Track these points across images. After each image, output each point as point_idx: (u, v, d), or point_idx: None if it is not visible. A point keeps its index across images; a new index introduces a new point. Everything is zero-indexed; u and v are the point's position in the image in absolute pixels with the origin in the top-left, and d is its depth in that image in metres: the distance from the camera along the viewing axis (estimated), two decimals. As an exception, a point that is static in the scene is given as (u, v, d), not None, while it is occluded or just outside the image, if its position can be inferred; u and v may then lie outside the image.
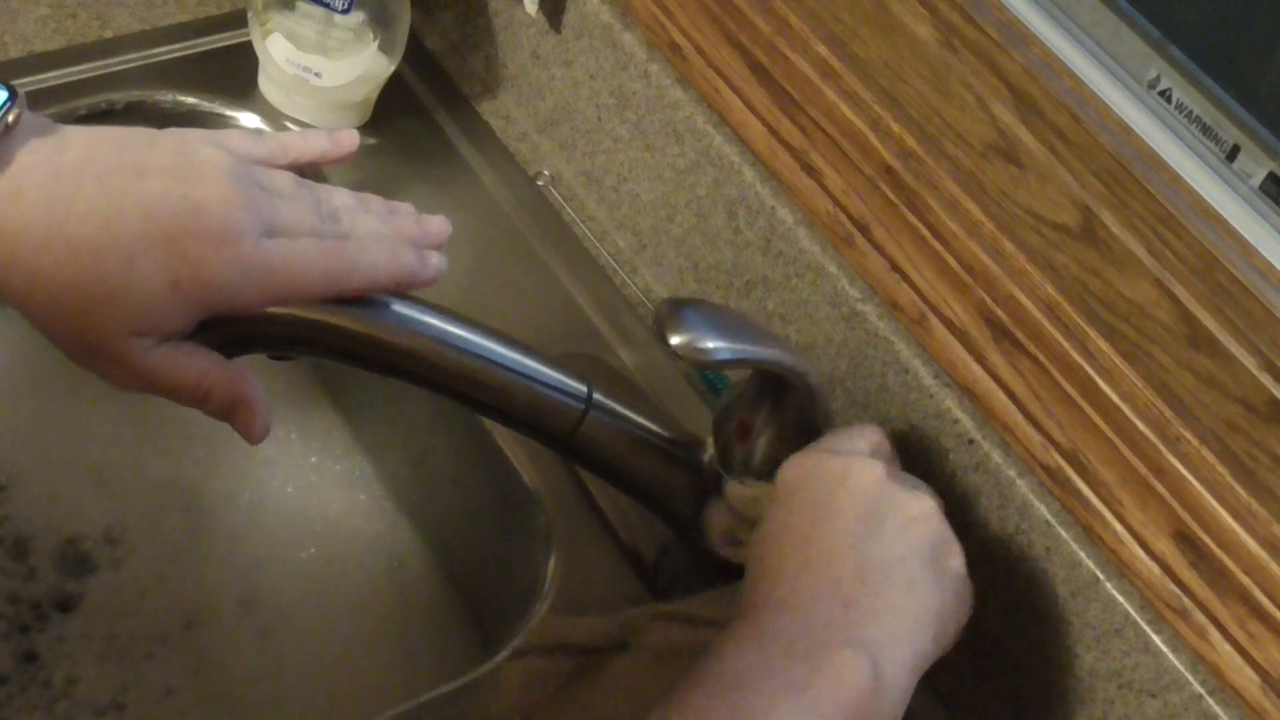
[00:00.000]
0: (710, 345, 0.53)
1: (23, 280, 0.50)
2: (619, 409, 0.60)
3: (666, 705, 0.47)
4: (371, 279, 0.54)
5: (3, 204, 0.49)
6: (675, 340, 0.52)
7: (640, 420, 0.61)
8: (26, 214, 0.49)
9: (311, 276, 0.52)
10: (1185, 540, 0.57)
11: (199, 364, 0.53)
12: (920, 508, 0.54)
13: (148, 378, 0.52)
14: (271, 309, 0.53)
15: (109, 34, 0.81)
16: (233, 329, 0.53)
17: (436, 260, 0.56)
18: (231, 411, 0.55)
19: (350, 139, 0.58)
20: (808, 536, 0.52)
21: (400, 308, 0.56)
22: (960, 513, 0.64)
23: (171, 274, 0.49)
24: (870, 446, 0.56)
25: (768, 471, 0.60)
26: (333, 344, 0.55)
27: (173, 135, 0.53)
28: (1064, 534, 0.60)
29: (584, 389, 0.59)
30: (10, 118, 0.49)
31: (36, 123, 0.51)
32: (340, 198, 0.56)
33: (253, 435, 0.55)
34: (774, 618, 0.50)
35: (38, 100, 0.78)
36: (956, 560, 0.54)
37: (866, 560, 0.52)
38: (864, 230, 0.66)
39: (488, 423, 0.72)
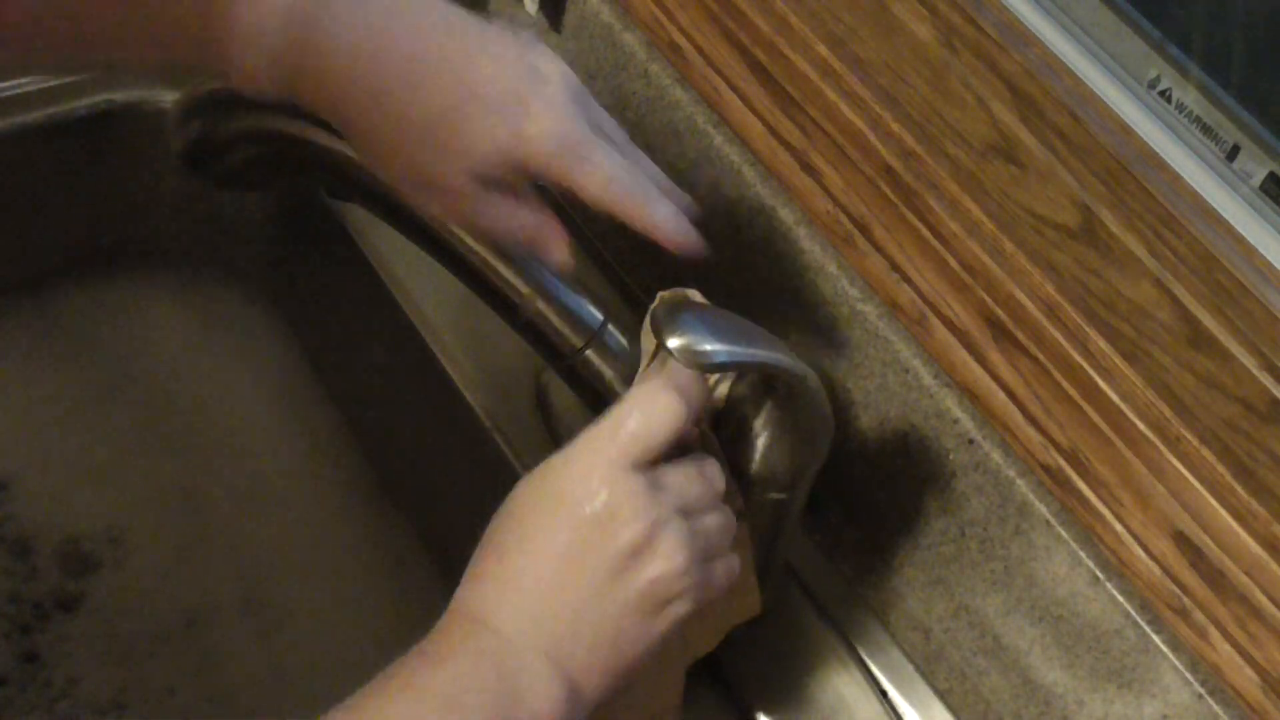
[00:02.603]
0: (708, 348, 0.53)
1: (375, 121, 0.50)
2: (628, 350, 0.61)
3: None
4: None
5: (322, 38, 0.49)
6: (673, 343, 0.52)
7: None
8: (388, 58, 0.49)
9: None
10: (1185, 540, 0.57)
11: (521, 213, 0.53)
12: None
13: (473, 217, 0.53)
14: (324, 142, 0.57)
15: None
16: (290, 151, 0.57)
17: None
18: (539, 245, 0.55)
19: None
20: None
21: None
22: (960, 513, 0.64)
23: (512, 128, 0.50)
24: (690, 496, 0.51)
25: (768, 475, 0.60)
26: (375, 194, 0.58)
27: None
28: (1064, 534, 0.60)
29: (599, 316, 0.61)
30: None
31: None
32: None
33: (560, 265, 0.56)
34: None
35: (38, 100, 0.78)
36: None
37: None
38: (864, 230, 0.66)
39: (490, 424, 0.72)
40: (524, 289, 0.60)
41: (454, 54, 0.50)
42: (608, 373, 0.62)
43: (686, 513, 0.50)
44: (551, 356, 0.62)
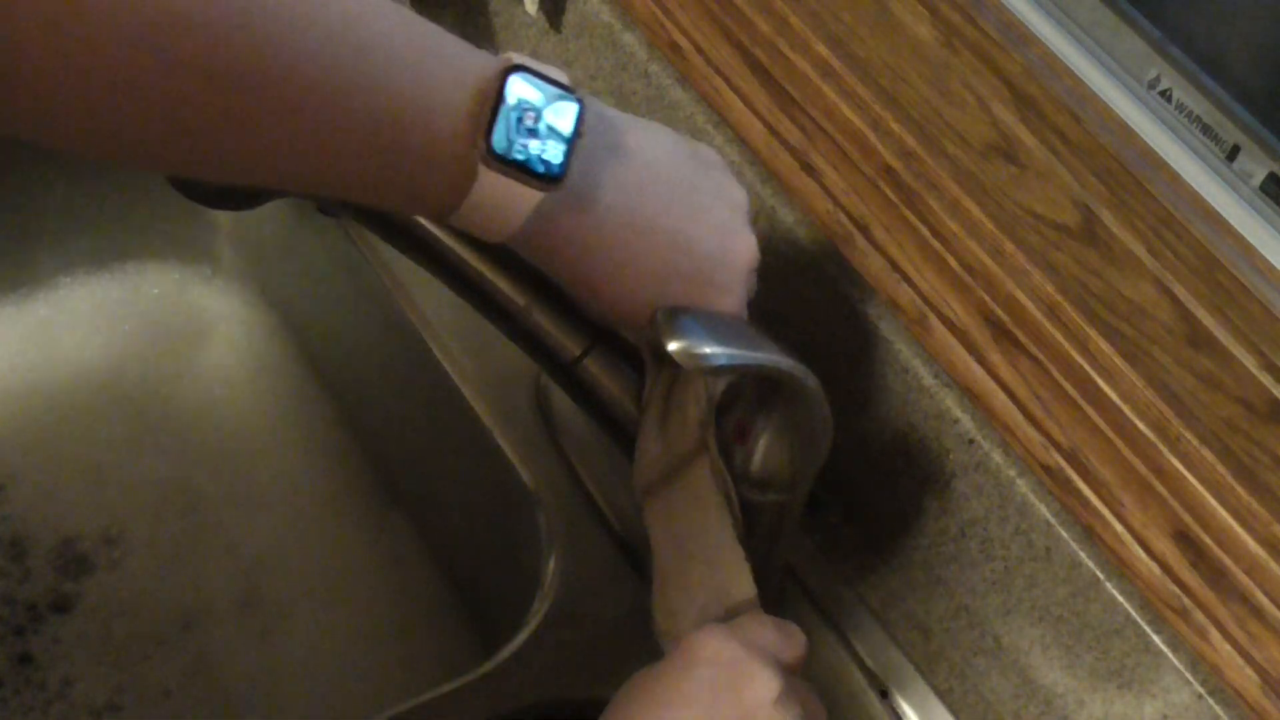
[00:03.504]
0: (708, 351, 0.53)
1: (596, 278, 0.54)
2: (629, 353, 0.61)
3: None
4: None
5: (577, 215, 0.51)
6: (673, 346, 0.52)
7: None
8: (599, 224, 0.52)
9: None
10: (1185, 540, 0.57)
11: None
12: None
13: None
14: None
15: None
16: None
17: None
18: None
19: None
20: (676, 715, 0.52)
21: None
22: (960, 513, 0.64)
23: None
24: (789, 655, 0.55)
25: (768, 475, 0.60)
26: (369, 210, 0.57)
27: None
28: (1064, 534, 0.60)
29: (599, 324, 0.61)
30: (582, 128, 0.50)
31: (600, 126, 0.52)
32: None
33: None
34: None
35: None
36: None
37: None
38: (864, 230, 0.66)
39: (490, 424, 0.72)
40: (520, 299, 0.60)
41: (676, 222, 0.54)
42: (606, 381, 0.62)
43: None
44: (550, 365, 0.62)
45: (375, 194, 0.50)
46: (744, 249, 0.56)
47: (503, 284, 0.60)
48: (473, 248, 0.59)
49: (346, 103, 0.47)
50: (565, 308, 0.61)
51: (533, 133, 0.49)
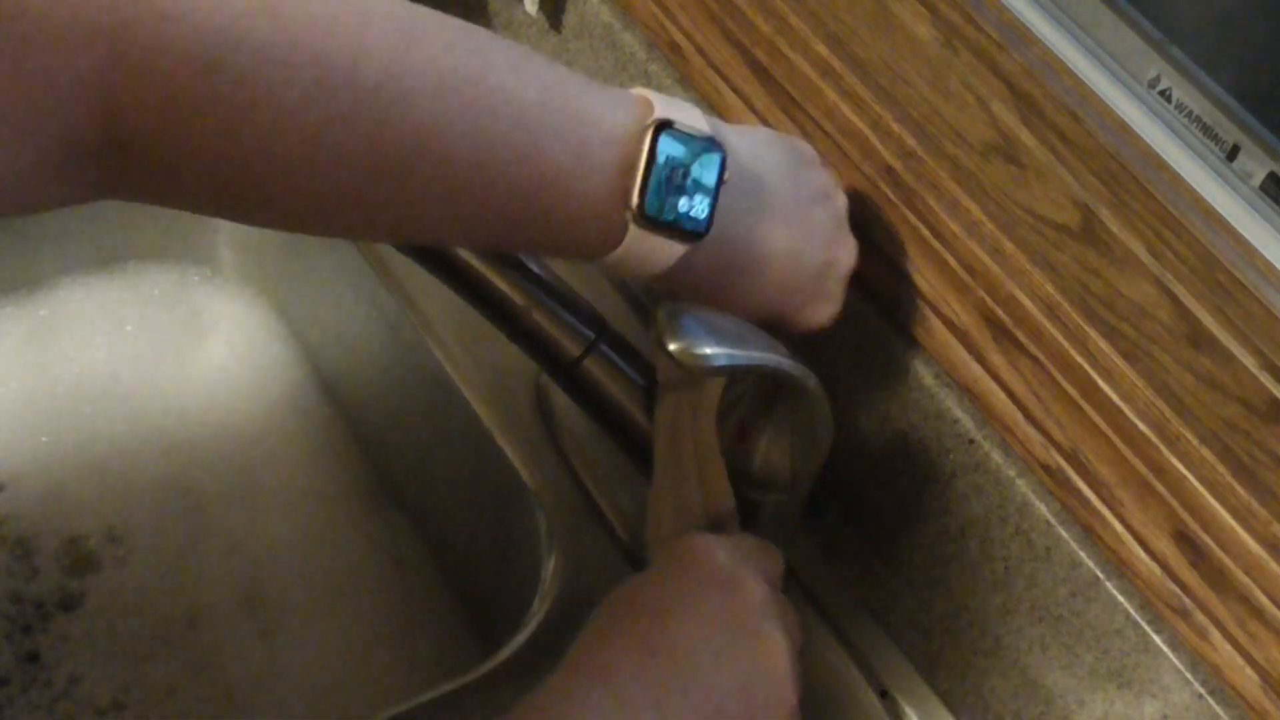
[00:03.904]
0: (708, 351, 0.53)
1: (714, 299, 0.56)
2: (625, 358, 0.61)
3: None
4: None
5: (711, 254, 0.54)
6: (673, 346, 0.52)
7: (644, 379, 0.62)
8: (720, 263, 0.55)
9: None
10: (1185, 540, 0.57)
11: None
12: (775, 650, 0.53)
13: None
14: None
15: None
16: None
17: None
18: None
19: None
20: (663, 622, 0.52)
21: None
22: (960, 513, 0.64)
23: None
24: (770, 569, 0.56)
25: (768, 475, 0.60)
26: None
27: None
28: (1064, 534, 0.60)
29: (598, 324, 0.61)
30: (726, 176, 0.53)
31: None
32: None
33: None
34: (587, 687, 0.51)
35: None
36: (789, 710, 0.53)
37: (702, 677, 0.51)
38: (864, 230, 0.66)
39: (490, 423, 0.72)
40: (521, 300, 0.60)
41: (791, 243, 0.57)
42: (607, 381, 0.62)
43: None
44: (550, 366, 0.62)
45: (531, 248, 0.55)
46: (847, 256, 0.59)
47: (503, 285, 0.60)
48: (474, 250, 0.59)
49: (502, 178, 0.49)
50: (566, 307, 0.61)
51: (681, 189, 0.51)
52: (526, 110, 0.49)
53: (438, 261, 0.60)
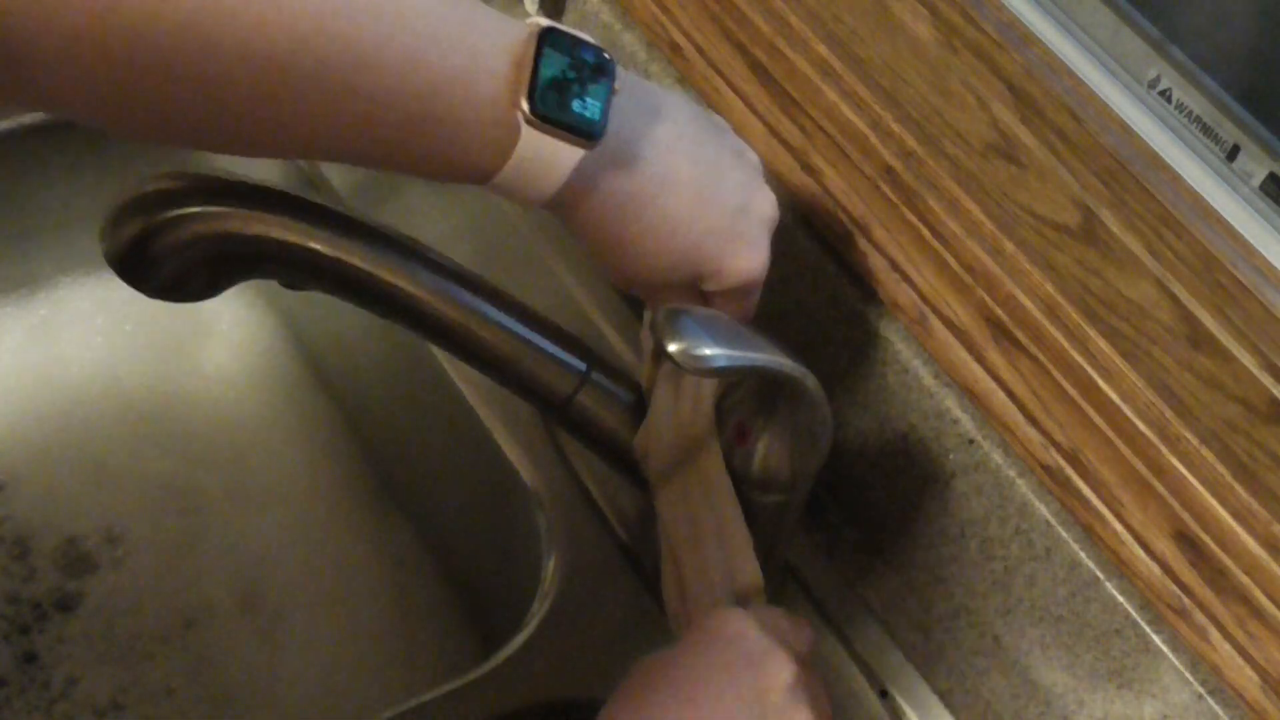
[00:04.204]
0: (708, 352, 0.53)
1: (598, 234, 0.55)
2: (617, 386, 0.61)
3: None
4: None
5: (613, 172, 0.53)
6: (673, 347, 0.52)
7: (638, 402, 0.62)
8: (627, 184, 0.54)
9: None
10: (1185, 540, 0.57)
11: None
12: None
13: None
14: (279, 235, 0.56)
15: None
16: (242, 249, 0.56)
17: None
18: None
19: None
20: (694, 700, 0.52)
21: (412, 251, 0.58)
22: (960, 512, 0.64)
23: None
24: (799, 646, 0.56)
25: (768, 475, 0.60)
26: (341, 279, 0.58)
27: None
28: (1064, 534, 0.60)
29: (585, 359, 0.61)
30: (617, 85, 0.52)
31: (631, 87, 0.54)
32: None
33: None
34: None
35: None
36: None
37: None
38: (864, 230, 0.66)
39: (488, 423, 0.72)
40: (506, 348, 0.60)
41: (703, 178, 0.55)
42: (602, 414, 0.62)
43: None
44: (546, 408, 0.62)
45: (417, 163, 0.51)
46: (765, 203, 0.58)
47: (486, 335, 0.60)
48: (455, 302, 0.59)
49: (388, 78, 0.48)
50: (553, 345, 0.61)
51: (571, 92, 0.50)
52: (415, 13, 0.48)
53: (420, 321, 0.59)
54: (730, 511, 0.60)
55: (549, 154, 0.50)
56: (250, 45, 0.45)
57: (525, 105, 0.49)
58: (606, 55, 0.52)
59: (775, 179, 0.69)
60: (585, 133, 0.51)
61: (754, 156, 0.59)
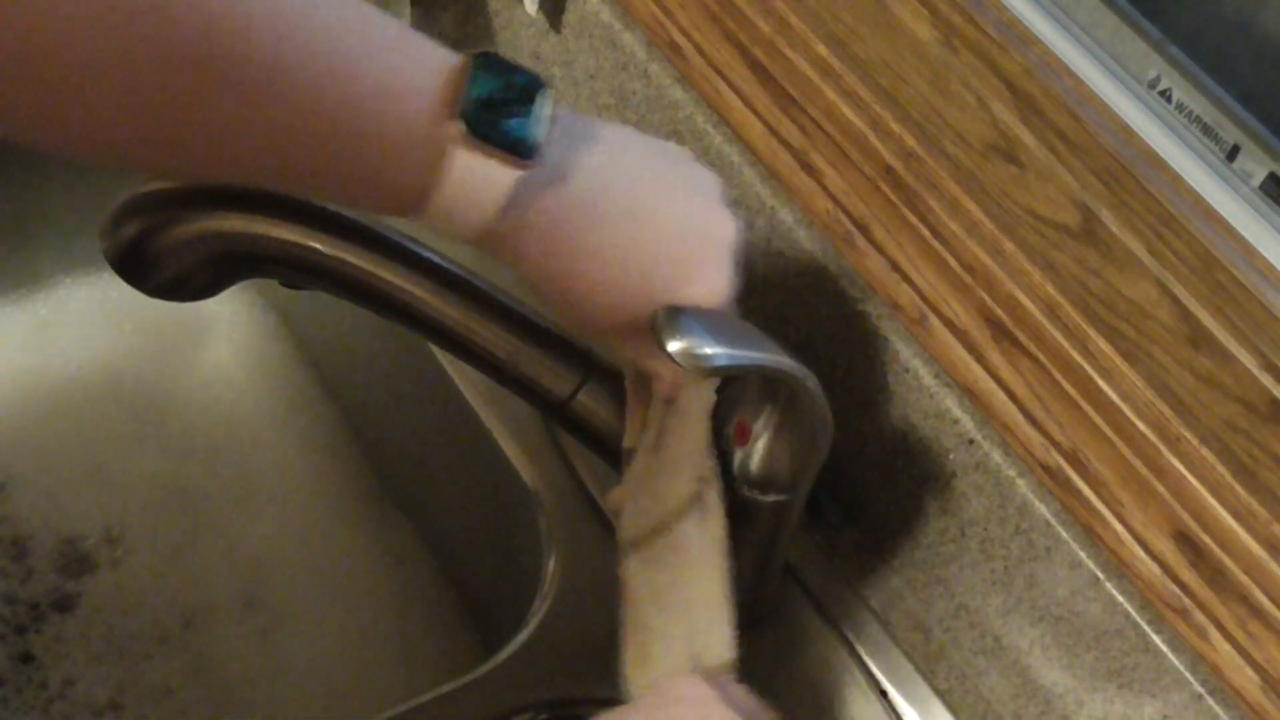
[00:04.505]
0: (709, 351, 0.53)
1: (570, 277, 0.52)
2: (619, 384, 0.61)
3: None
4: None
5: (552, 199, 0.50)
6: (673, 346, 0.52)
7: None
8: (565, 208, 0.51)
9: None
10: (1185, 540, 0.57)
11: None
12: None
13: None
14: (280, 235, 0.55)
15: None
16: (242, 249, 0.55)
17: None
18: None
19: None
20: None
21: (411, 251, 0.57)
22: (960, 512, 0.64)
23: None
24: None
25: (768, 475, 0.60)
26: (341, 279, 0.57)
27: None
28: (1064, 534, 0.60)
29: (585, 358, 0.60)
30: (553, 110, 0.50)
31: (569, 116, 0.51)
32: None
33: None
34: None
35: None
36: None
37: None
38: (864, 230, 0.66)
39: (488, 423, 0.72)
40: (506, 348, 0.60)
41: (650, 203, 0.52)
42: (602, 414, 0.62)
43: None
44: (545, 408, 0.62)
45: (344, 185, 0.49)
46: (723, 226, 0.54)
47: (486, 335, 0.59)
48: (455, 302, 0.59)
49: (313, 88, 0.45)
50: (553, 345, 0.60)
51: (504, 111, 0.48)
52: (345, 26, 0.46)
53: (419, 323, 0.59)
54: (716, 585, 0.57)
55: (483, 176, 0.48)
56: (167, 44, 0.43)
57: (456, 121, 0.47)
58: (541, 79, 0.50)
59: (775, 179, 0.69)
60: (519, 150, 0.48)
61: (711, 179, 0.55)
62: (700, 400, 0.58)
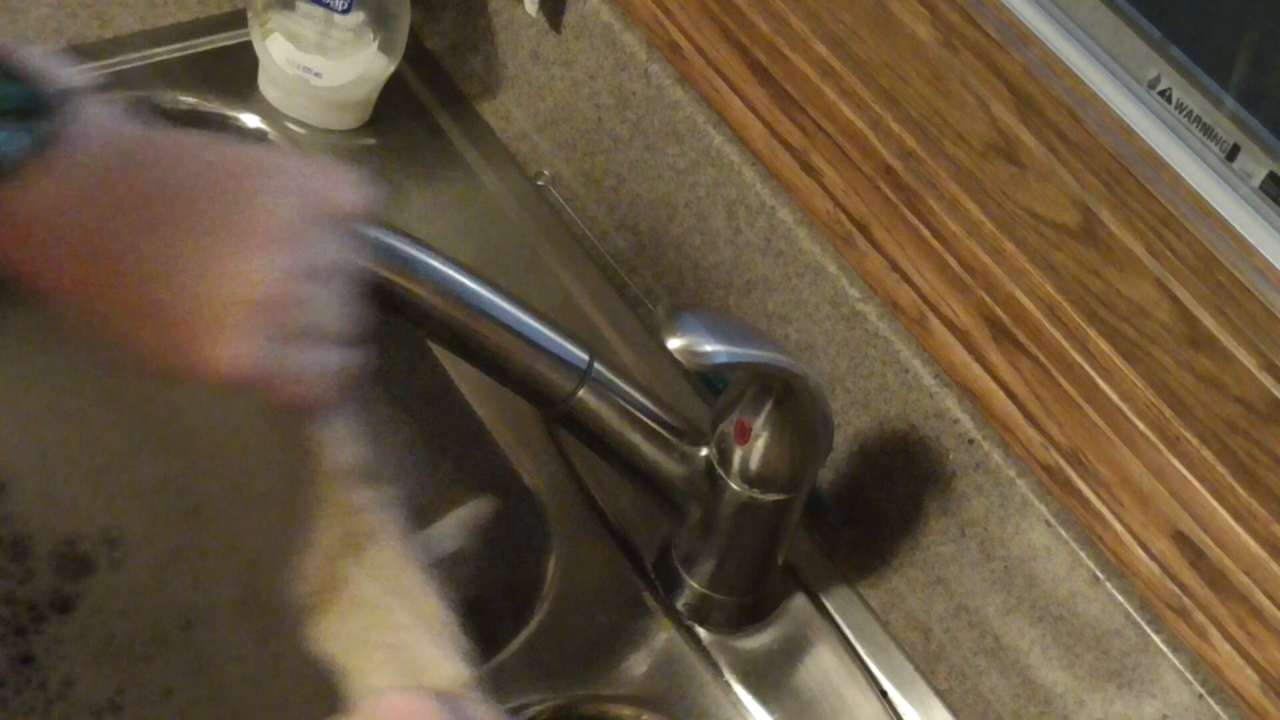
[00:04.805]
0: (709, 349, 0.53)
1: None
2: (618, 383, 0.61)
3: None
4: None
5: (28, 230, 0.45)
6: (674, 344, 0.52)
7: (639, 399, 0.62)
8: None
9: None
10: (1185, 540, 0.57)
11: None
12: None
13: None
14: None
15: (109, 34, 0.81)
16: None
17: None
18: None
19: None
20: None
21: (411, 251, 0.57)
22: (960, 512, 0.64)
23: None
24: None
25: (768, 475, 0.60)
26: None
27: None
28: (1064, 534, 0.60)
29: (585, 357, 0.60)
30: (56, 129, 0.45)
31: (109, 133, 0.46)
32: None
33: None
34: None
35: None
36: None
37: None
38: (864, 230, 0.66)
39: (488, 423, 0.72)
40: (506, 347, 0.59)
41: (154, 246, 0.46)
42: (603, 413, 0.62)
43: None
44: (545, 408, 0.62)
45: None
46: (238, 281, 0.46)
47: (485, 332, 0.59)
48: (455, 302, 0.58)
49: None
50: (553, 345, 0.60)
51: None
52: None
53: (418, 316, 0.59)
54: (426, 600, 0.54)
55: None
56: None
57: None
58: (50, 95, 0.44)
59: (775, 179, 0.69)
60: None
61: (277, 219, 0.46)
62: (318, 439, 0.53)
